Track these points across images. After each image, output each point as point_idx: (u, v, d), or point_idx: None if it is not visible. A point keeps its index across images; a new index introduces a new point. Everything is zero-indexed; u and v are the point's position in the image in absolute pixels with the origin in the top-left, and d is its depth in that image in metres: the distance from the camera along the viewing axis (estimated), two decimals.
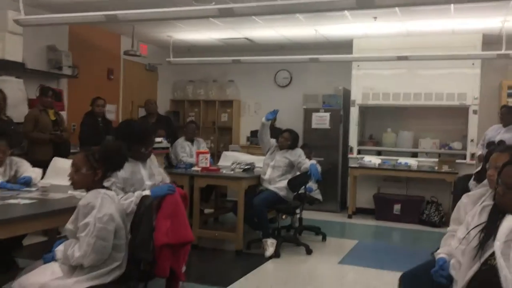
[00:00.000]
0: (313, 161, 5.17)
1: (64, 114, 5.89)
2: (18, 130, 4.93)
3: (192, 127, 6.51)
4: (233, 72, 8.64)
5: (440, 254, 2.28)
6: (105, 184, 2.60)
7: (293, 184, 5.07)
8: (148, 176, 3.27)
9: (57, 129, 5.27)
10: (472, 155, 6.71)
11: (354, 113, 7.37)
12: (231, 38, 7.41)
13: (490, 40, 6.55)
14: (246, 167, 5.31)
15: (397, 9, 5.45)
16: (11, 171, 3.68)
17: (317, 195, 5.93)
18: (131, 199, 2.86)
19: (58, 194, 3.17)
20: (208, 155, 5.34)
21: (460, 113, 7.02)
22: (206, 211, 6.31)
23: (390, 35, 6.88)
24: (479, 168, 4.01)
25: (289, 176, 5.12)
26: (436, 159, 6.92)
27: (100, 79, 7.29)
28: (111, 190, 2.60)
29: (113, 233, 2.37)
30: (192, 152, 6.20)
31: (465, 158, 6.87)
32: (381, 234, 6.47)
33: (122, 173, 2.99)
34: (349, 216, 7.13)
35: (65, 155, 4.87)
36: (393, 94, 7.14)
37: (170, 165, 5.93)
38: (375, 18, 5.93)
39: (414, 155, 7.28)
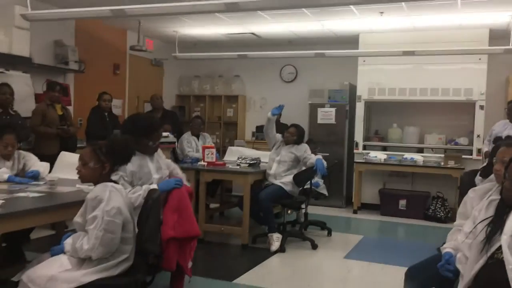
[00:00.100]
0: (319, 156, 5.17)
1: (70, 109, 5.92)
2: (25, 124, 4.96)
3: (198, 122, 6.53)
4: (239, 67, 8.64)
5: (446, 248, 2.28)
6: (113, 177, 2.62)
7: (299, 179, 5.08)
8: (155, 169, 3.29)
9: (64, 123, 5.30)
10: (479, 151, 6.69)
11: (360, 108, 7.35)
12: (237, 33, 7.41)
13: (497, 35, 6.51)
14: (252, 162, 5.33)
15: (403, 4, 5.42)
16: (19, 165, 3.72)
17: (323, 190, 5.93)
18: (139, 193, 2.88)
19: (65, 188, 3.19)
20: (214, 150, 5.35)
21: (466, 108, 6.99)
22: (212, 205, 6.33)
23: (397, 30, 6.85)
24: (485, 163, 4.01)
25: (295, 171, 5.13)
26: (442, 155, 6.91)
27: (106, 74, 7.32)
28: (118, 183, 2.61)
29: (121, 226, 2.39)
30: (198, 147, 6.22)
31: (471, 154, 6.85)
32: (386, 229, 6.47)
33: (129, 167, 3.02)
34: (355, 211, 7.13)
35: (72, 149, 4.90)
36: (399, 90, 7.11)
37: (176, 159, 5.95)
38: (382, 13, 5.91)
39: (420, 150, 7.26)
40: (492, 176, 2.52)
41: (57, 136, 5.20)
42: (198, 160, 5.49)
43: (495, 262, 1.93)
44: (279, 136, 5.33)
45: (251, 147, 7.22)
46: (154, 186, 3.02)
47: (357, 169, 7.15)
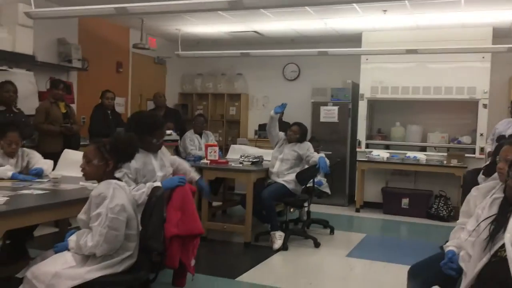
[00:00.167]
0: (322, 154, 5.17)
1: (74, 106, 5.94)
2: (29, 122, 4.97)
3: (200, 120, 6.54)
4: (242, 65, 8.64)
5: (449, 246, 2.28)
6: (117, 175, 2.62)
7: (302, 177, 5.08)
8: (159, 167, 3.30)
9: (68, 121, 5.31)
10: (482, 149, 6.67)
11: (362, 107, 7.35)
12: (240, 31, 7.41)
13: (500, 34, 6.50)
14: (255, 160, 5.33)
15: (406, 2, 5.42)
16: (23, 162, 3.73)
17: (325, 188, 5.93)
18: (143, 190, 2.90)
19: (69, 185, 3.21)
20: (217, 148, 5.36)
21: (469, 107, 6.98)
22: (214, 204, 6.34)
23: (400, 29, 6.85)
24: (488, 162, 4.00)
25: (298, 169, 5.13)
26: (445, 153, 6.90)
27: (109, 72, 7.33)
28: (122, 181, 2.62)
29: (125, 223, 2.40)
30: (201, 145, 6.24)
31: (474, 152, 6.84)
32: (389, 228, 6.47)
33: (133, 164, 3.03)
34: (357, 210, 7.13)
35: (75, 147, 4.91)
36: (402, 88, 7.11)
37: (179, 157, 5.95)
38: (385, 11, 5.90)
39: (423, 149, 7.26)
40: (496, 174, 2.52)
41: (60, 134, 5.21)
42: (201, 158, 5.50)
43: (498, 260, 1.93)
44: (282, 134, 5.33)
45: (254, 145, 7.22)
46: (158, 183, 3.03)
47: (359, 167, 7.14)
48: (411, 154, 7.00)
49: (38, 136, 5.23)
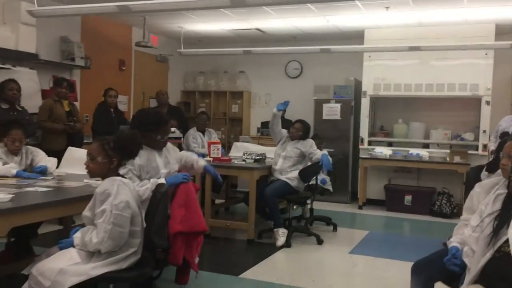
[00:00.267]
0: (325, 151, 5.17)
1: (77, 104, 5.95)
2: (32, 120, 4.99)
3: (203, 118, 6.55)
4: (244, 63, 8.64)
5: (453, 242, 2.29)
6: (121, 171, 2.64)
7: (304, 175, 5.08)
8: (163, 164, 3.31)
9: (71, 119, 5.33)
10: (484, 146, 6.66)
11: (365, 104, 7.34)
12: (242, 29, 7.41)
13: (503, 30, 6.49)
14: (258, 157, 5.34)
15: None
16: (27, 160, 3.75)
17: (328, 185, 5.94)
18: (147, 186, 2.91)
19: (73, 183, 3.22)
20: (220, 146, 5.36)
21: (472, 104, 6.97)
22: (217, 201, 6.36)
23: (402, 25, 6.83)
24: (491, 159, 4.00)
25: (300, 167, 5.14)
26: (448, 150, 6.89)
27: (112, 70, 7.35)
28: (126, 178, 2.63)
29: (130, 219, 2.42)
30: (203, 143, 6.25)
31: (477, 149, 6.83)
32: (392, 225, 6.47)
33: (137, 161, 3.04)
34: (360, 207, 7.13)
35: (78, 145, 4.94)
36: (404, 85, 7.09)
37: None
38: (387, 8, 5.89)
39: (426, 146, 7.25)
40: (499, 171, 2.52)
41: (63, 132, 5.23)
42: (203, 155, 5.49)
43: (502, 256, 1.93)
44: (284, 131, 5.34)
45: (257, 143, 7.23)
46: (162, 180, 3.04)
47: (362, 164, 7.15)
48: (413, 151, 7.00)
49: (41, 134, 5.25)
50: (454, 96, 6.93)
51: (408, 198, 6.93)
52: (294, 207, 5.70)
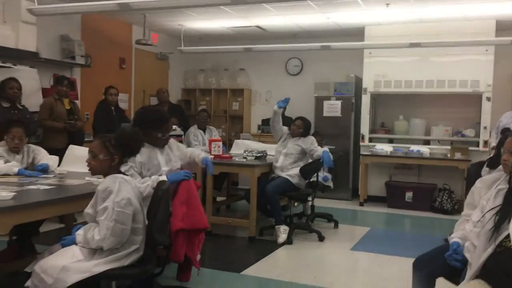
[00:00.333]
0: (326, 148, 5.17)
1: (77, 103, 5.96)
2: (33, 119, 4.99)
3: (204, 115, 6.55)
4: (244, 60, 8.64)
5: (454, 238, 2.29)
6: (122, 168, 2.64)
7: (305, 172, 5.09)
8: (165, 162, 3.32)
9: (72, 118, 5.33)
10: (485, 142, 6.66)
11: (365, 100, 7.34)
12: (242, 26, 7.40)
13: (504, 26, 6.48)
14: (258, 155, 5.35)
15: None
16: (29, 158, 3.76)
17: (329, 183, 5.95)
18: (148, 183, 2.91)
19: (75, 181, 3.23)
20: (221, 143, 5.37)
21: (473, 100, 6.97)
22: (218, 198, 6.37)
23: (403, 22, 6.82)
24: (492, 155, 4.00)
25: (301, 164, 5.14)
26: (449, 147, 6.89)
27: (113, 68, 7.35)
28: (128, 175, 2.64)
29: (131, 216, 2.42)
30: (204, 140, 6.25)
31: (478, 146, 6.83)
32: (393, 221, 6.48)
33: (138, 158, 3.05)
34: (361, 204, 7.14)
35: (79, 143, 4.93)
36: (405, 82, 7.09)
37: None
38: (388, 4, 5.88)
39: (426, 142, 7.26)
40: (500, 167, 2.52)
41: (64, 130, 5.23)
42: None
43: (503, 250, 1.94)
44: (285, 128, 5.34)
45: (257, 140, 7.24)
46: (163, 177, 3.04)
47: (363, 161, 7.15)
48: (414, 147, 7.00)
49: (42, 133, 5.25)
50: (454, 93, 6.93)
51: (409, 195, 6.94)
52: (295, 204, 5.70)
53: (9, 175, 3.36)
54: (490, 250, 1.96)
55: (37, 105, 5.27)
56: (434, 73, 6.93)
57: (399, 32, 6.83)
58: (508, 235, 1.94)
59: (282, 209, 5.40)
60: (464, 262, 2.16)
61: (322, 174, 5.59)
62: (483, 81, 6.71)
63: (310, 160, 5.17)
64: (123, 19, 7.31)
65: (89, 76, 6.75)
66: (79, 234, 2.45)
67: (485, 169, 3.81)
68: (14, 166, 3.47)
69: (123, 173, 2.59)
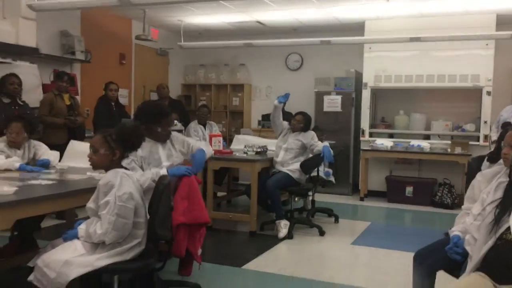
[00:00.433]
0: (326, 143, 5.18)
1: (78, 98, 5.96)
2: (34, 115, 4.99)
3: (204, 111, 6.55)
4: (244, 55, 8.63)
5: (455, 231, 2.30)
6: (123, 163, 2.65)
7: (306, 166, 5.10)
8: (166, 157, 3.32)
9: (72, 113, 5.33)
10: (486, 137, 6.68)
11: (366, 95, 7.35)
12: (242, 21, 7.39)
13: (504, 20, 6.47)
14: (259, 150, 5.35)
15: None
16: (30, 153, 3.76)
17: (331, 177, 5.96)
18: (148, 176, 2.92)
19: (76, 176, 3.23)
20: (221, 138, 5.38)
21: (473, 94, 6.97)
22: (219, 194, 6.38)
23: (403, 16, 6.81)
24: (492, 149, 4.00)
25: (302, 159, 5.15)
26: (449, 141, 6.90)
27: (112, 64, 7.34)
28: (129, 169, 2.65)
29: (133, 211, 2.43)
30: (205, 136, 6.25)
31: (478, 140, 6.84)
32: (393, 216, 6.49)
33: (140, 152, 3.05)
34: (361, 199, 7.15)
35: (80, 139, 4.93)
36: (405, 76, 7.09)
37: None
38: None
39: (427, 137, 7.26)
40: (501, 161, 2.53)
41: (64, 126, 5.24)
42: None
43: (504, 243, 1.95)
44: (285, 123, 5.35)
45: (258, 135, 7.24)
46: (164, 170, 3.03)
47: (363, 156, 7.16)
48: (415, 142, 7.01)
49: (42, 128, 5.25)
50: (455, 87, 6.93)
51: (409, 189, 6.95)
52: (296, 199, 5.71)
53: (11, 170, 3.36)
54: (490, 243, 1.97)
55: (37, 101, 5.27)
56: (435, 68, 6.93)
57: (399, 26, 6.82)
58: (509, 228, 1.95)
59: (283, 204, 5.42)
60: (465, 255, 2.17)
61: (324, 169, 5.59)
62: (483, 75, 6.71)
63: (310, 155, 5.18)
64: (122, 15, 7.30)
65: (89, 71, 6.75)
66: (81, 228, 2.45)
67: (485, 163, 3.80)
68: (15, 161, 3.47)
69: (125, 168, 2.60)
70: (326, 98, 7.61)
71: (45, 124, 5.21)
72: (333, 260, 4.43)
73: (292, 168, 5.09)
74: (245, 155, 5.25)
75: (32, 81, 5.44)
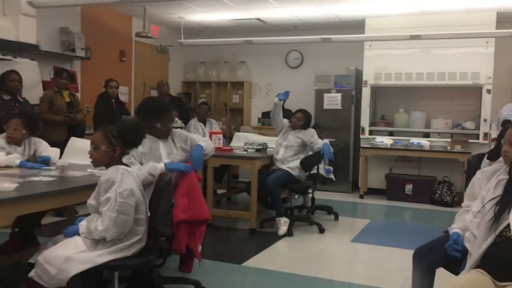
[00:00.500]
0: (326, 141, 5.19)
1: (78, 95, 5.96)
2: (35, 112, 4.99)
3: (204, 108, 6.55)
4: (244, 53, 8.63)
5: (454, 229, 2.31)
6: (124, 160, 2.65)
7: (306, 164, 5.10)
8: (166, 154, 3.31)
9: (72, 110, 5.33)
10: (485, 135, 6.68)
11: (366, 93, 7.34)
12: (242, 18, 7.38)
13: (504, 18, 6.46)
14: (259, 147, 5.35)
15: None
16: (30, 150, 3.77)
17: (331, 175, 5.96)
18: (145, 169, 2.92)
19: (77, 172, 3.24)
20: (221, 136, 5.38)
21: (473, 92, 6.97)
22: (219, 191, 6.39)
23: (403, 14, 6.81)
24: (492, 147, 4.01)
25: (302, 156, 5.16)
26: (449, 139, 6.90)
27: (113, 61, 7.34)
28: (130, 166, 2.65)
29: (134, 207, 2.44)
30: (205, 133, 6.25)
31: (478, 138, 6.84)
32: (393, 213, 6.50)
33: (140, 148, 3.05)
34: (361, 196, 7.16)
35: (80, 136, 4.94)
36: (405, 74, 7.09)
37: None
38: None
39: (426, 135, 7.26)
40: (501, 158, 2.54)
41: (64, 123, 5.24)
42: None
43: (504, 240, 1.96)
44: (286, 121, 5.35)
45: (258, 133, 7.25)
46: (161, 164, 3.02)
47: (363, 154, 7.16)
48: (414, 140, 7.01)
49: (42, 126, 5.24)
50: (455, 85, 6.93)
51: (409, 187, 6.96)
52: (296, 196, 5.72)
53: (11, 167, 3.37)
54: (490, 240, 1.98)
55: (37, 98, 5.27)
56: (435, 66, 6.92)
57: (400, 24, 6.82)
58: (508, 225, 1.96)
59: (283, 202, 5.43)
60: (464, 252, 2.18)
61: (324, 166, 5.60)
62: (483, 73, 6.70)
63: (310, 153, 5.18)
64: (123, 12, 7.29)
65: (89, 68, 6.75)
66: (82, 225, 2.46)
67: (485, 161, 3.80)
68: (16, 158, 3.48)
69: (126, 165, 2.60)
70: (326, 96, 7.60)
71: (44, 122, 5.20)
72: (333, 257, 4.44)
73: (292, 165, 5.09)
74: (245, 152, 5.25)
75: (32, 78, 5.44)
